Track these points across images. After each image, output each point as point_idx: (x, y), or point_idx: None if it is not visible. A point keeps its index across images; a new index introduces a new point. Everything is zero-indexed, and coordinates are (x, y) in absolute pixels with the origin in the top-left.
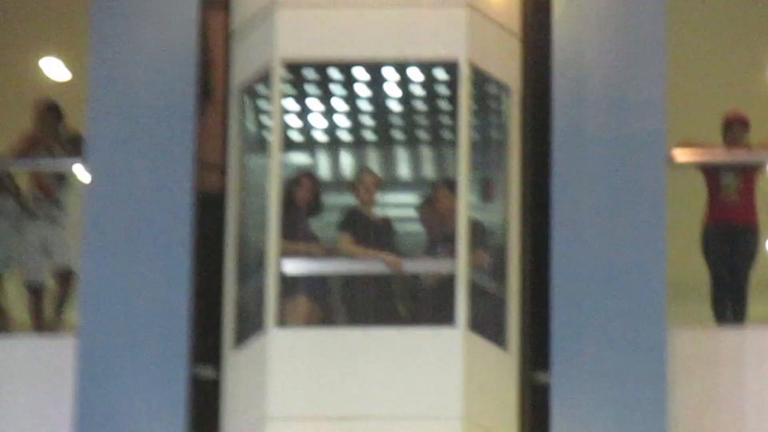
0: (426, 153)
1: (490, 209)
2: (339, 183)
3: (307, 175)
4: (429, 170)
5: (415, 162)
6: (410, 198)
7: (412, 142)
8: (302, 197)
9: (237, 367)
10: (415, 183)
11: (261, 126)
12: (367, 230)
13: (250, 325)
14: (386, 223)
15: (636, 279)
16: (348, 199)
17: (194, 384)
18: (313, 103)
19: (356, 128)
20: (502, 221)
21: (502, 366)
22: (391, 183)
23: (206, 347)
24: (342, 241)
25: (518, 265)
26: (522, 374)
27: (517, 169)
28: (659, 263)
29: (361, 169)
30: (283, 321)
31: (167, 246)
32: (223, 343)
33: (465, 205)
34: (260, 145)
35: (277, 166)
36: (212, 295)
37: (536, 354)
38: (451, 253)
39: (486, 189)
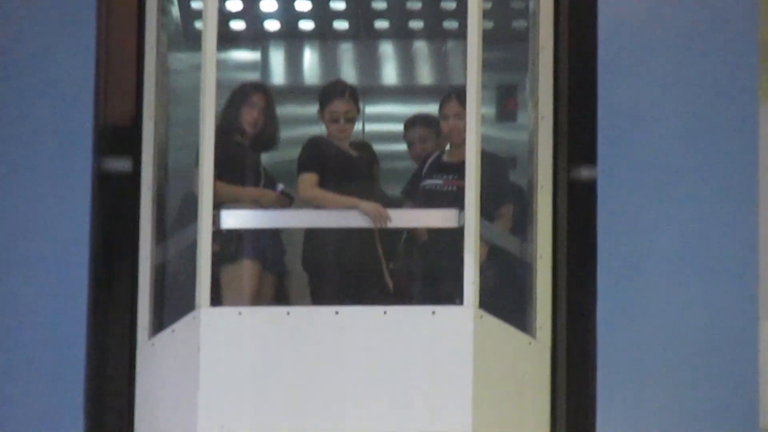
0: (422, 50)
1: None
2: (302, 99)
3: (258, 87)
4: (425, 75)
5: (408, 63)
6: (400, 114)
7: (403, 35)
8: (250, 120)
9: (152, 364)
10: (407, 92)
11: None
12: (340, 168)
13: (174, 305)
14: (366, 157)
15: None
16: (316, 128)
17: None
18: None
19: (326, 15)
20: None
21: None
22: (375, 93)
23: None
24: (304, 183)
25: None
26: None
27: (548, 72)
28: None
29: (333, 88)
30: (220, 297)
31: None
32: (137, 331)
33: (477, 123)
34: (188, 39)
35: (211, 71)
36: (121, 262)
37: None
38: (457, 199)
39: (506, 103)
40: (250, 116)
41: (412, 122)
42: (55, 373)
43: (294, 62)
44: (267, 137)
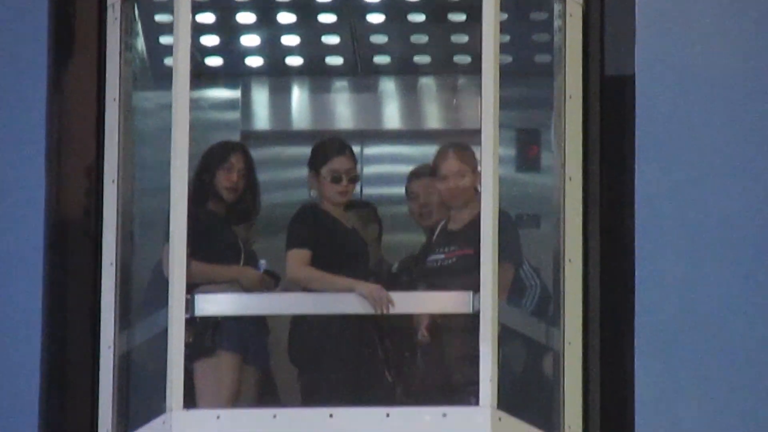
0: (428, 88)
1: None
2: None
3: (236, 147)
4: (433, 117)
5: (412, 103)
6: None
7: (407, 71)
8: (228, 186)
9: None
10: (411, 137)
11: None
12: (336, 243)
13: (141, 403)
14: (365, 229)
15: None
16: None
17: None
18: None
19: (317, 50)
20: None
21: None
22: (374, 137)
23: None
24: (293, 260)
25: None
26: None
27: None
28: None
29: (331, 145)
30: (194, 397)
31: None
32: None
33: (494, 175)
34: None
35: (182, 125)
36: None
37: None
38: (461, 272)
39: (527, 149)
40: (227, 181)
41: (416, 173)
42: None
43: (280, 103)
44: (247, 205)
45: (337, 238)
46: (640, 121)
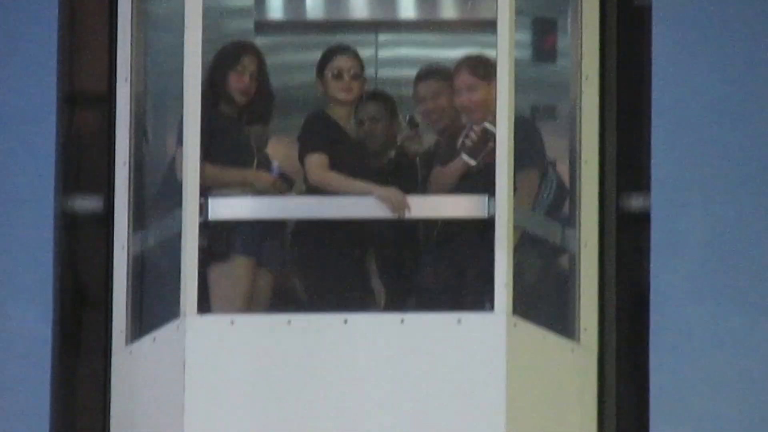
0: None
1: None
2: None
3: (248, 48)
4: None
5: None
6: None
7: None
8: (240, 88)
9: (129, 375)
10: (427, 27)
11: None
12: (346, 148)
13: (155, 311)
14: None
15: None
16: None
17: None
18: None
19: None
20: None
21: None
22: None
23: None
24: (315, 164)
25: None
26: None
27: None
28: None
29: (332, 47)
30: (208, 302)
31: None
32: (112, 335)
33: (510, 80)
34: None
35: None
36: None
37: None
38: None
39: (543, 40)
40: (240, 83)
41: (424, 74)
42: (18, 377)
43: None
44: (260, 107)
45: (344, 146)
46: (657, 19)
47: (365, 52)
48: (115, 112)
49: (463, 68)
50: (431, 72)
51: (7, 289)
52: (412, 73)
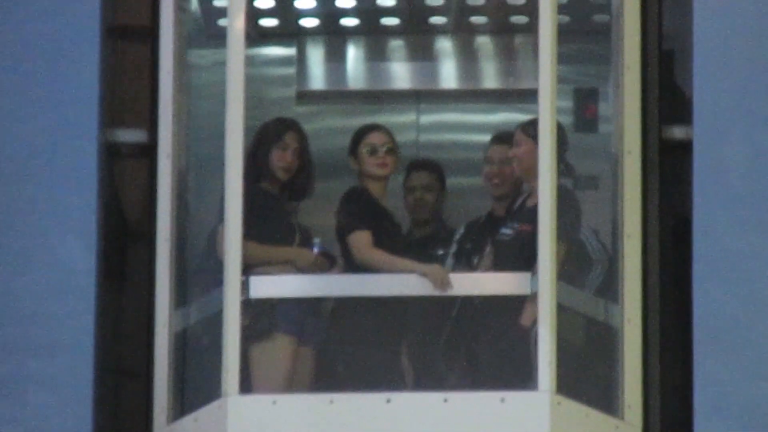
0: (485, 47)
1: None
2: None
3: (290, 125)
4: (489, 77)
5: (468, 63)
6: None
7: (463, 30)
8: (283, 165)
9: None
10: (467, 97)
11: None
12: (384, 224)
13: (194, 389)
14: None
15: None
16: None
17: None
18: None
19: (372, 11)
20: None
21: None
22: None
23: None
24: (360, 242)
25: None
26: None
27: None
28: None
29: (364, 126)
30: (250, 381)
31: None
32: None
33: (552, 150)
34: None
35: (237, 107)
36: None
37: None
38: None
39: (585, 110)
40: (282, 160)
41: (497, 138)
42: (63, 310)
43: (335, 65)
44: (301, 184)
45: (383, 222)
46: (698, 91)
47: (406, 118)
48: (158, 44)
49: (520, 130)
50: (505, 137)
51: (51, 221)
52: (453, 137)
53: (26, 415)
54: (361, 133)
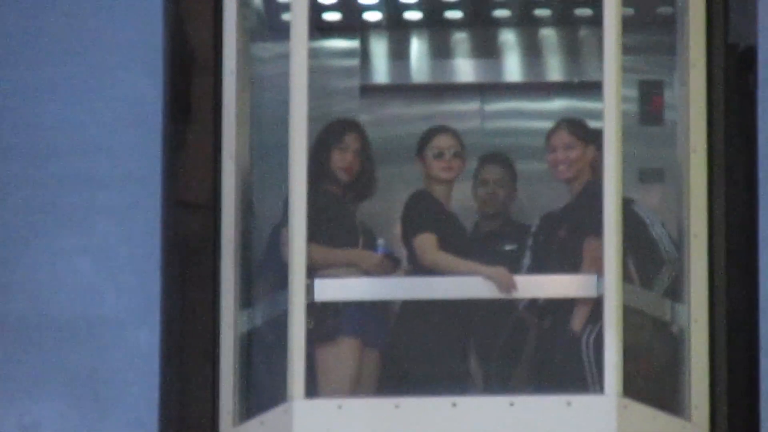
0: (549, 40)
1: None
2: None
3: (351, 126)
4: (554, 69)
5: (532, 55)
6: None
7: (527, 23)
8: (344, 166)
9: None
10: (531, 89)
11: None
12: (450, 227)
13: (261, 392)
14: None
15: None
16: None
17: None
18: None
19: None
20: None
21: None
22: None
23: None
24: (426, 245)
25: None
26: None
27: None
28: None
29: (432, 127)
30: (315, 385)
31: None
32: (220, 416)
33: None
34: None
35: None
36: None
37: None
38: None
39: (650, 102)
40: (343, 161)
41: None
42: (130, 143)
43: (399, 58)
44: (363, 184)
45: (448, 225)
46: (763, 91)
47: (470, 107)
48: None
49: (562, 127)
50: (564, 124)
51: (117, 56)
52: (517, 124)
53: (94, 245)
54: (428, 136)
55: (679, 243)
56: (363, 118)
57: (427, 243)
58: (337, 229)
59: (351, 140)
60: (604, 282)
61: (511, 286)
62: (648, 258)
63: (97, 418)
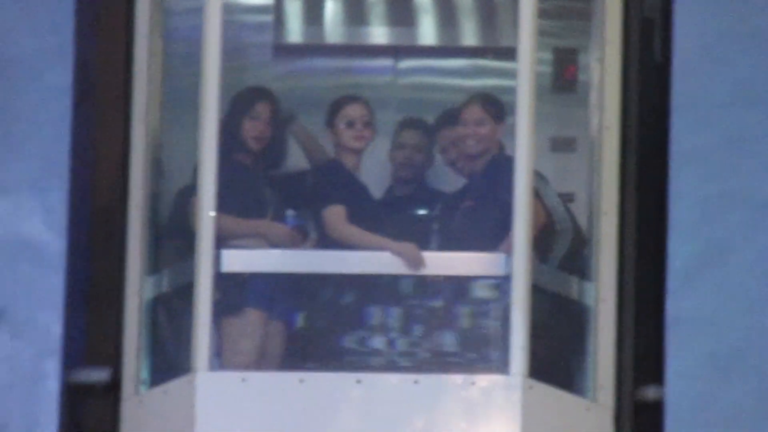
0: (464, 4)
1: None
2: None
3: (262, 95)
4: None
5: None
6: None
7: None
8: (255, 135)
9: (138, 425)
10: (446, 53)
11: None
12: (359, 198)
13: (163, 362)
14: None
15: None
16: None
17: None
18: None
19: None
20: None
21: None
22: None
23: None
24: (335, 217)
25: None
26: None
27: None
28: None
29: (342, 98)
30: (220, 356)
31: None
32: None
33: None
34: None
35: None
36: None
37: None
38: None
39: (563, 70)
40: (254, 130)
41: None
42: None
43: (313, 20)
44: (274, 155)
45: (357, 196)
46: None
47: (384, 78)
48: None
49: (475, 101)
50: (478, 99)
51: None
52: (430, 95)
53: None
54: (338, 105)
55: (589, 218)
56: (275, 71)
57: (335, 215)
58: (245, 200)
59: (262, 109)
60: (512, 261)
61: (419, 263)
62: (541, 230)
63: None
